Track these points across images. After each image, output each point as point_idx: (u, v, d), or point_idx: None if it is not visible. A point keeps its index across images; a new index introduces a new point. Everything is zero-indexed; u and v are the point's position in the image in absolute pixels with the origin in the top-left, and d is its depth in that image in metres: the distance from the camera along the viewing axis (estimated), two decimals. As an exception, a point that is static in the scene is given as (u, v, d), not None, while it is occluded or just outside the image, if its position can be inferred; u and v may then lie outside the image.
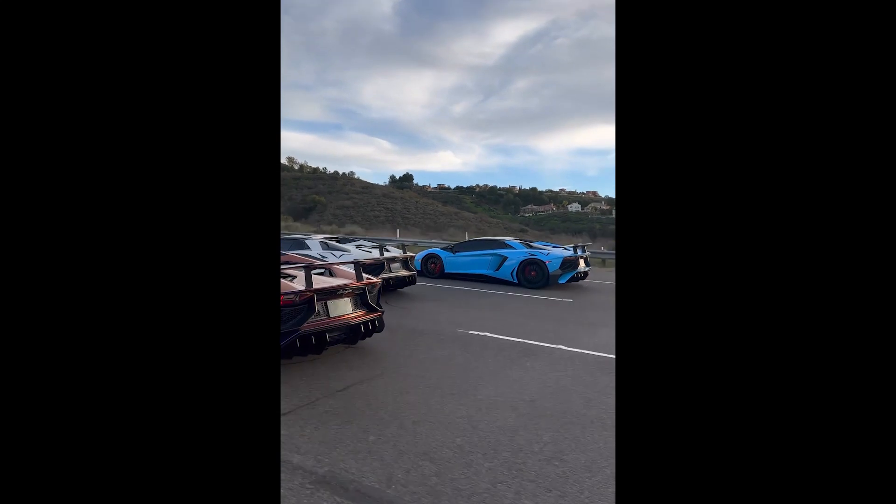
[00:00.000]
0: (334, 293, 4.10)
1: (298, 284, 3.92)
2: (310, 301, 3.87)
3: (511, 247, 11.44)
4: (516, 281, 10.11)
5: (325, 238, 10.18)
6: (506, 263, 10.70)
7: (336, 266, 5.15)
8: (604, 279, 11.80)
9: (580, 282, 10.79)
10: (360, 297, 4.42)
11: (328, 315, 4.04)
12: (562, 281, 10.15)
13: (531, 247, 11.52)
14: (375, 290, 4.44)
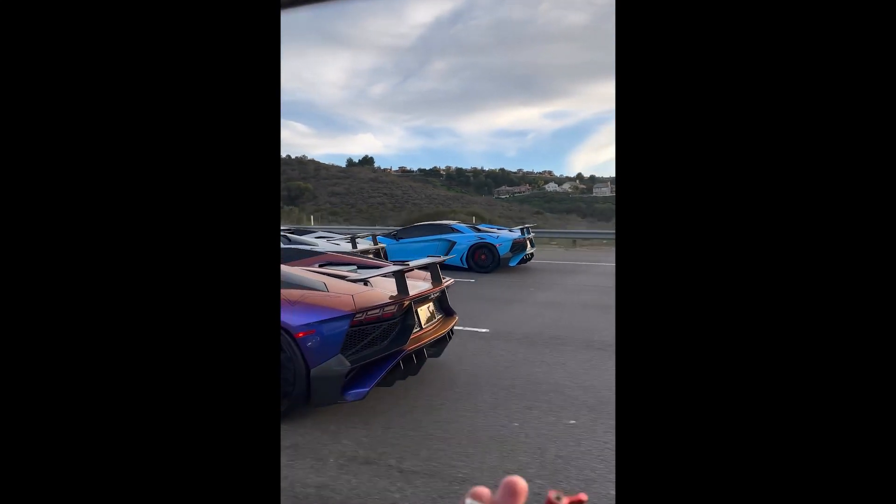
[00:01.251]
0: (425, 299, 3.57)
1: (382, 290, 3.33)
2: (408, 311, 3.34)
3: (459, 231, 11.14)
4: (466, 266, 9.91)
5: (283, 231, 9.67)
6: (455, 249, 10.48)
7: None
8: (548, 259, 11.76)
9: (527, 263, 10.76)
10: (440, 301, 3.99)
11: (421, 326, 3.49)
12: (512, 264, 10.08)
13: (479, 230, 11.31)
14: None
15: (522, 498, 0.34)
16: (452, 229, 11.09)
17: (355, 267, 4.56)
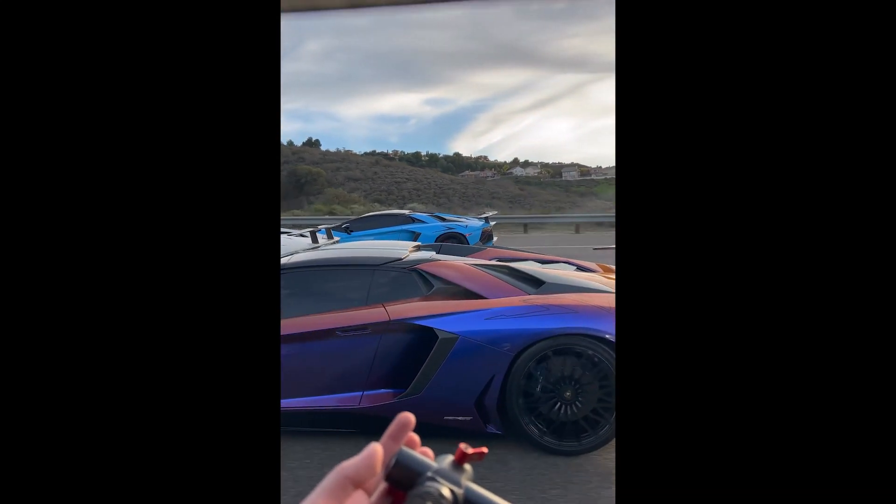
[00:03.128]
0: None
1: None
2: None
3: (421, 220, 10.23)
4: None
5: None
6: (419, 240, 9.49)
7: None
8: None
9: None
10: None
11: None
12: None
13: (443, 219, 10.60)
14: None
15: (411, 427, 0.42)
16: (413, 219, 10.40)
17: (533, 262, 4.33)
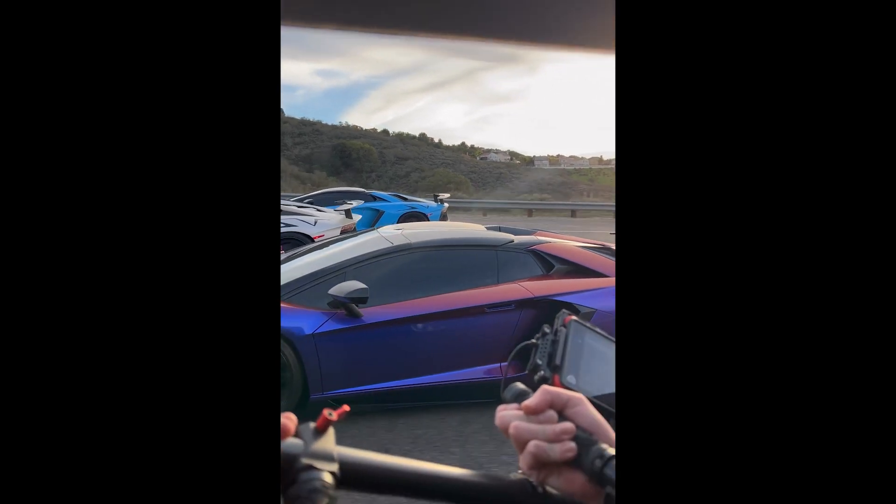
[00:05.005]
0: None
1: None
2: None
3: (383, 199, 10.01)
4: None
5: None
6: (382, 219, 9.38)
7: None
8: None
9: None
10: None
11: None
12: None
13: (406, 199, 10.63)
14: None
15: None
16: (374, 197, 10.30)
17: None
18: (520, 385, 0.54)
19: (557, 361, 0.62)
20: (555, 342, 0.63)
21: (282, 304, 3.54)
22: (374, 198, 9.99)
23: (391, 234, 4.43)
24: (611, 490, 0.48)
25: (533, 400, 0.53)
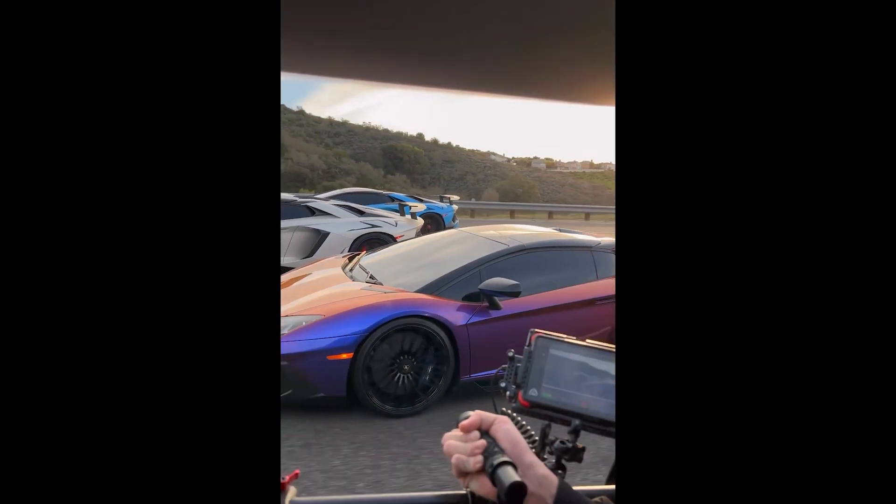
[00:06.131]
0: None
1: None
2: None
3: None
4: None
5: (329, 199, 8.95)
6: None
7: None
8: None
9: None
10: None
11: None
12: None
13: (420, 200, 10.88)
14: None
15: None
16: (394, 198, 10.51)
17: None
18: (468, 412, 0.66)
19: (520, 380, 0.72)
20: (520, 362, 0.73)
21: (433, 298, 3.98)
22: (394, 199, 10.15)
23: (494, 236, 5.02)
24: (501, 491, 0.58)
25: (465, 421, 0.67)
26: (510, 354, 0.75)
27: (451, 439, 0.66)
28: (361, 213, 8.67)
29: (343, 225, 8.18)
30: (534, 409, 0.70)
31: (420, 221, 9.18)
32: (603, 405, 0.68)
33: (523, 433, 0.72)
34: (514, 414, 0.71)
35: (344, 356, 3.44)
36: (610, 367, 0.70)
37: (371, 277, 4.51)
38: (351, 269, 4.87)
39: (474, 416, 0.67)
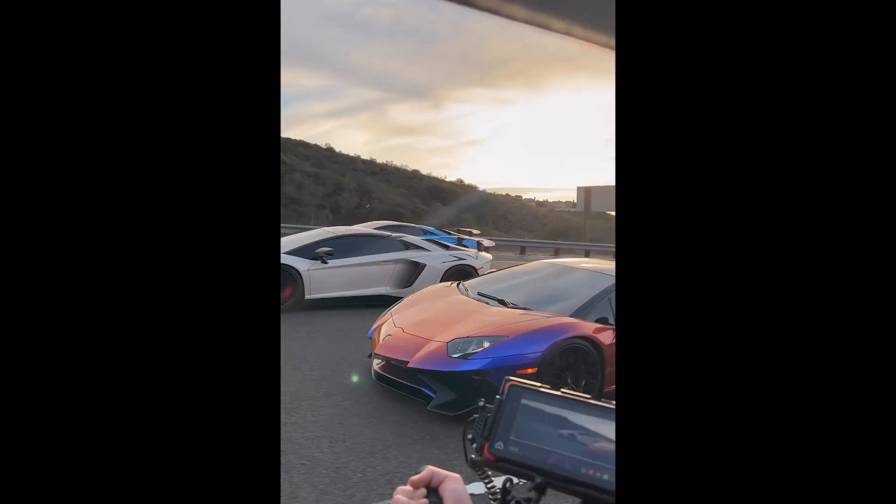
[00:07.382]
0: None
1: None
2: None
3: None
4: None
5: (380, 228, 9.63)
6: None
7: None
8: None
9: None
10: None
11: None
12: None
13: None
14: None
15: None
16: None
17: None
18: (426, 466, 0.67)
19: (488, 431, 0.70)
20: (489, 412, 0.72)
21: (584, 322, 4.50)
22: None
23: (600, 268, 5.69)
24: None
25: (415, 476, 0.67)
26: (480, 404, 0.72)
27: (401, 493, 0.66)
28: (447, 247, 9.27)
29: (436, 258, 8.53)
30: (499, 463, 0.68)
31: (489, 256, 9.73)
32: (570, 463, 0.65)
33: (489, 487, 0.71)
34: (483, 466, 0.69)
35: (529, 371, 3.96)
36: (584, 420, 0.66)
37: (502, 301, 5.08)
38: (476, 295, 5.41)
39: (426, 471, 0.66)
